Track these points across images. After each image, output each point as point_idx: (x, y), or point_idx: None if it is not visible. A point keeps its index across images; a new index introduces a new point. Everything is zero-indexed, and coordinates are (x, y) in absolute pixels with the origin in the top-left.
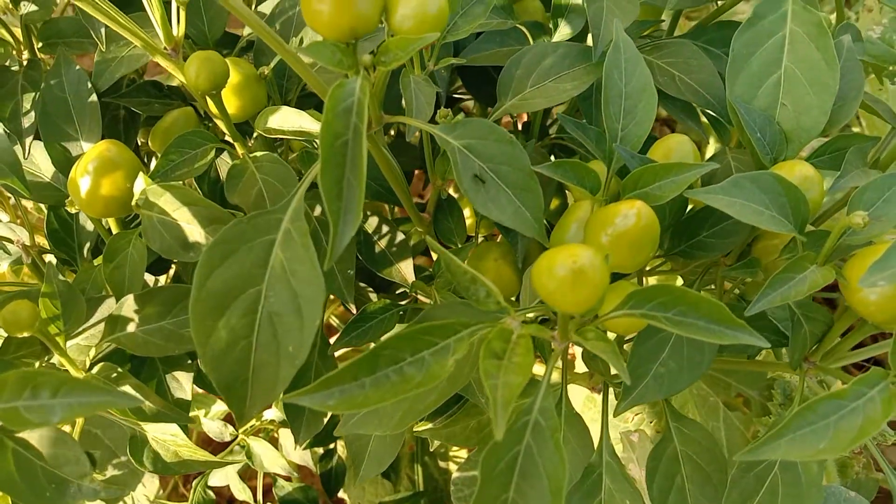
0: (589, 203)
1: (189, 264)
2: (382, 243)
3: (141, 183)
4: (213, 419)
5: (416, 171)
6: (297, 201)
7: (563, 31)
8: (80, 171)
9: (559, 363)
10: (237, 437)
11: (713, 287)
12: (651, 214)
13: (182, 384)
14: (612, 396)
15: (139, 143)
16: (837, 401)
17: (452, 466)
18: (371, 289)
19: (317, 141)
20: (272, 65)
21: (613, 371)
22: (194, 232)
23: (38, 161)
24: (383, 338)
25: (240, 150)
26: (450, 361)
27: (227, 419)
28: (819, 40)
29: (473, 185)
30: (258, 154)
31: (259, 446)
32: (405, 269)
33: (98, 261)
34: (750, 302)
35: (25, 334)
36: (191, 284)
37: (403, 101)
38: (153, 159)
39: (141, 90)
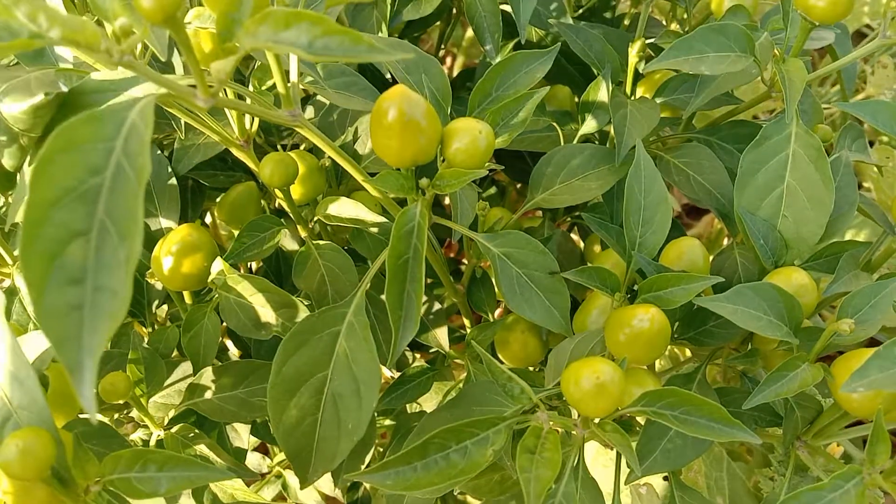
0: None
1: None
2: (421, 311)
3: (218, 264)
4: (249, 450)
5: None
6: (359, 297)
7: (590, 125)
8: (163, 251)
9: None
10: (273, 468)
11: (720, 362)
12: (663, 319)
13: (240, 434)
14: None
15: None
16: (818, 492)
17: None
18: (407, 347)
19: (370, 228)
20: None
21: None
22: (267, 314)
23: None
24: (434, 431)
25: (302, 233)
26: (489, 451)
27: (261, 449)
28: (818, 162)
29: (510, 288)
30: (321, 243)
31: (293, 478)
32: (441, 336)
33: (161, 311)
34: (752, 378)
35: (120, 401)
36: (258, 358)
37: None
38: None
39: (208, 163)
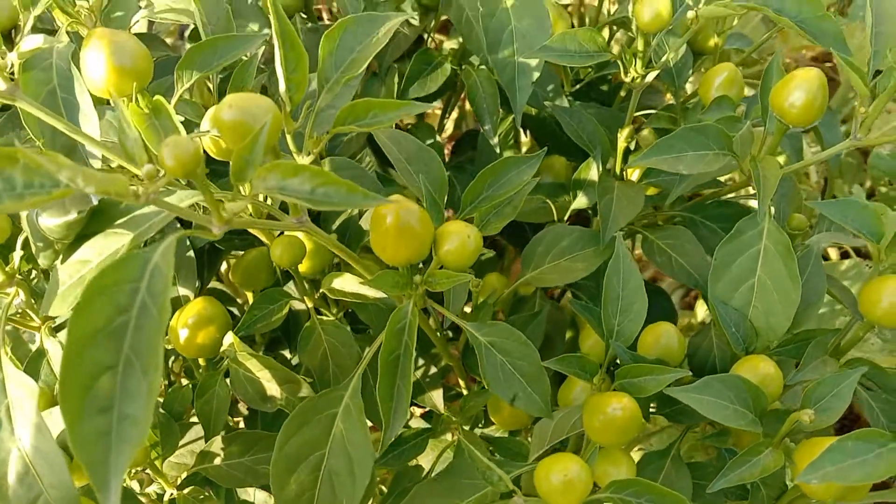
0: None
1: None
2: (418, 374)
3: (229, 337)
4: None
5: None
6: (355, 381)
7: (581, 201)
8: (180, 323)
9: None
10: None
11: (698, 430)
12: (635, 408)
13: (248, 490)
14: None
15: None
16: None
17: None
18: None
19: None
20: (335, 226)
21: None
22: (272, 388)
23: None
24: None
25: (308, 303)
26: None
27: None
28: (786, 258)
29: (494, 375)
30: (325, 319)
31: None
32: (436, 398)
33: (178, 363)
34: (729, 449)
35: (139, 468)
36: (263, 423)
37: None
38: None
39: None
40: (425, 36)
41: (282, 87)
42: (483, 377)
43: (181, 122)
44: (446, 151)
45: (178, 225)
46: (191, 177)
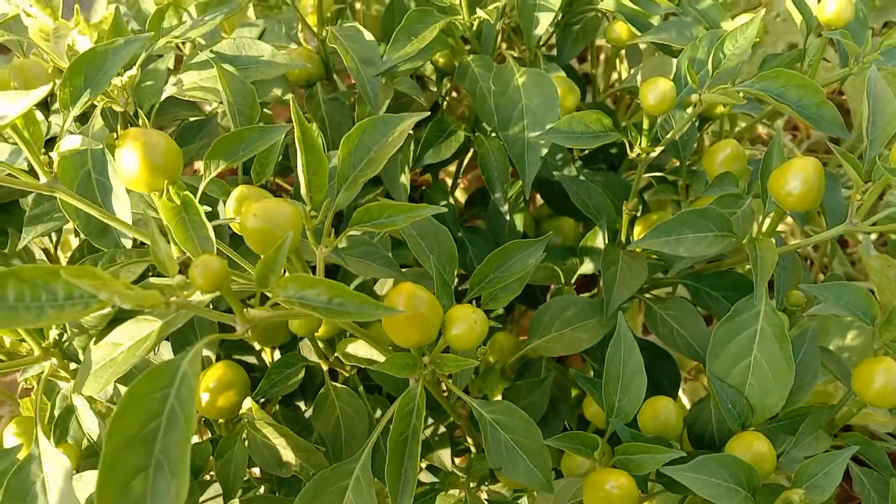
0: None
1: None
2: (427, 432)
3: (248, 402)
4: None
5: None
6: (365, 455)
7: (587, 267)
8: (202, 387)
9: None
10: None
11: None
12: (631, 485)
13: None
14: None
15: None
16: None
17: None
18: None
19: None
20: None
21: None
22: (288, 455)
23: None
24: None
25: (324, 366)
26: None
27: None
28: (781, 340)
29: (497, 451)
30: (339, 385)
31: None
32: (444, 457)
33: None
34: None
35: None
36: (279, 484)
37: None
38: None
39: None
40: (440, 100)
41: (303, 189)
42: (486, 452)
43: (208, 208)
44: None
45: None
46: (220, 291)
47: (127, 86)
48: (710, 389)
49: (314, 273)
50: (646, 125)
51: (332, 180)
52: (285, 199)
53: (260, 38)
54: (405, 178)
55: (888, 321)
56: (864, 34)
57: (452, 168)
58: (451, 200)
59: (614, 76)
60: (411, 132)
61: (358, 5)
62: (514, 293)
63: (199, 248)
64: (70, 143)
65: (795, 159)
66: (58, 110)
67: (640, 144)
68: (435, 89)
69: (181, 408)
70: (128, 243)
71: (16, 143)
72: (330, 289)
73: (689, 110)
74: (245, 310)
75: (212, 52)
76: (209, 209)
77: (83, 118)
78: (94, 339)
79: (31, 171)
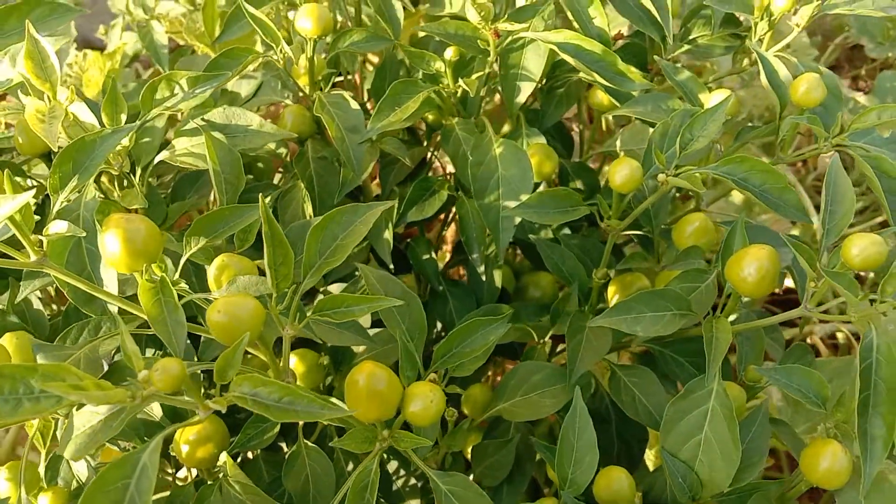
0: None
1: None
2: (399, 482)
3: (223, 456)
4: None
5: None
6: None
7: (560, 328)
8: (182, 438)
9: None
10: None
11: None
12: None
13: None
14: None
15: None
16: None
17: None
18: None
19: None
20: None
21: None
22: None
23: (154, 412)
24: None
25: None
26: None
27: None
28: (730, 422)
29: None
30: (310, 444)
31: None
32: None
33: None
34: None
35: None
36: None
37: None
38: None
39: None
40: (428, 155)
41: (269, 279)
42: None
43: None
44: (447, 249)
45: None
46: (179, 389)
47: (122, 152)
48: (663, 462)
49: (281, 352)
50: (614, 202)
51: (299, 268)
52: (256, 277)
53: (257, 90)
54: (388, 234)
55: (839, 403)
56: (836, 114)
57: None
58: (434, 255)
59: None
60: (395, 188)
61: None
62: (480, 361)
63: (171, 333)
64: (57, 227)
65: (752, 247)
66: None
67: (608, 218)
68: (425, 143)
69: (139, 497)
70: (115, 308)
71: None
72: (281, 389)
73: (656, 191)
74: (206, 401)
75: (203, 119)
76: (185, 286)
77: None
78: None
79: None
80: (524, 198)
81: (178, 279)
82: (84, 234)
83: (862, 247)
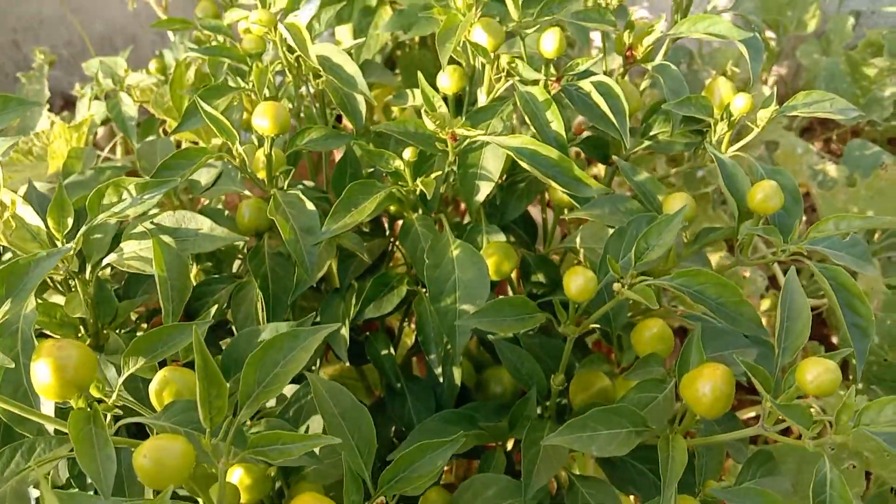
0: None
1: None
2: None
3: None
4: None
5: None
6: None
7: (520, 432)
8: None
9: None
10: None
11: None
12: None
13: None
14: None
15: None
16: None
17: None
18: None
19: None
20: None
21: None
22: None
23: None
24: None
25: None
26: None
27: None
28: None
29: None
30: None
31: None
32: None
33: None
34: None
35: None
36: None
37: None
38: None
39: None
40: (390, 245)
41: (201, 413)
42: None
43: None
44: (408, 336)
45: None
46: None
47: (68, 258)
48: None
49: (219, 486)
50: (570, 309)
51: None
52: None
53: (216, 180)
54: (345, 331)
55: None
56: (793, 223)
57: None
58: (393, 350)
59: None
60: (354, 283)
61: None
62: (430, 483)
63: (100, 470)
64: None
65: (706, 367)
66: None
67: (566, 324)
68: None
69: None
70: (51, 430)
71: None
72: None
73: (613, 297)
74: None
75: (152, 223)
76: (120, 412)
77: None
78: None
79: None
80: (481, 301)
81: (117, 399)
82: (12, 365)
83: (816, 373)
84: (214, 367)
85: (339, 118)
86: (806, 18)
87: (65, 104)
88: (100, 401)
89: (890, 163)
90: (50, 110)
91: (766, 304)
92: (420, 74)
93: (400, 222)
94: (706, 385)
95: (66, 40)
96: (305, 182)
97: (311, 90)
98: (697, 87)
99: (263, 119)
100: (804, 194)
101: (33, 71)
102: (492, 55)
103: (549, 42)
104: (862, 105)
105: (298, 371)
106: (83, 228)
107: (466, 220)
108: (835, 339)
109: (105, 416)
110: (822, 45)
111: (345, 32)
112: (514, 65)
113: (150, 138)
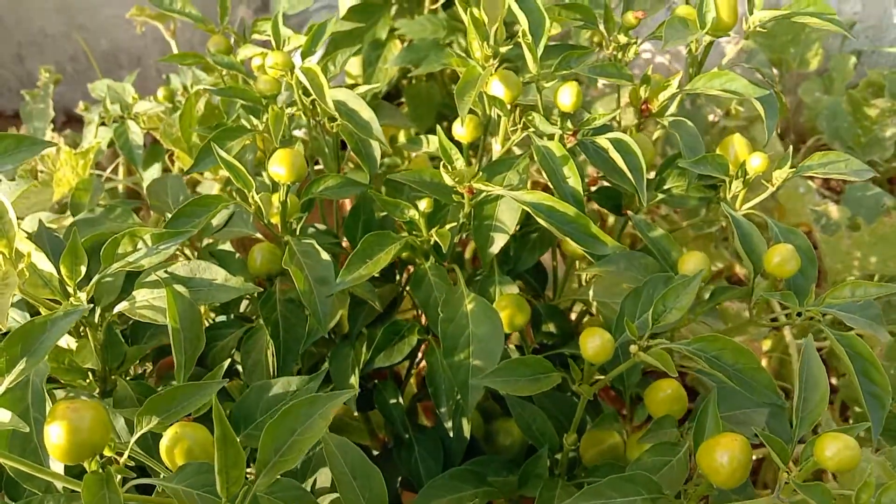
0: None
1: None
2: None
3: None
4: None
5: None
6: None
7: (528, 491)
8: None
9: None
10: None
11: None
12: None
13: None
14: None
15: None
16: None
17: None
18: None
19: None
20: None
21: None
22: None
23: None
24: None
25: None
26: None
27: None
28: None
29: None
30: None
31: None
32: None
33: None
34: None
35: None
36: None
37: None
38: None
39: None
40: (401, 290)
41: (218, 484)
42: None
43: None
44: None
45: None
46: None
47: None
48: None
49: None
50: (585, 369)
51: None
52: None
53: (228, 221)
54: (354, 380)
55: None
56: (809, 286)
57: None
58: (401, 399)
59: None
60: (364, 331)
61: None
62: None
63: None
64: (1, 416)
65: (723, 437)
66: None
67: (578, 384)
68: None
69: None
70: (59, 486)
71: None
72: None
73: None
74: None
75: (166, 272)
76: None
77: None
78: None
79: None
80: (494, 357)
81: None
82: (27, 429)
83: (836, 450)
84: (233, 436)
85: (343, 145)
86: (809, 56)
87: (67, 120)
88: (112, 460)
89: (892, 205)
90: (52, 129)
91: (767, 345)
92: (439, 128)
93: (410, 268)
94: (724, 455)
95: (70, 56)
96: (317, 225)
97: (322, 127)
98: (701, 124)
99: (280, 167)
100: (805, 233)
101: (38, 89)
102: (508, 107)
103: (567, 96)
104: (863, 144)
105: (317, 439)
106: (96, 278)
107: (476, 260)
108: (834, 380)
109: (117, 477)
110: (825, 84)
111: (354, 65)
112: (530, 118)
113: (157, 172)
